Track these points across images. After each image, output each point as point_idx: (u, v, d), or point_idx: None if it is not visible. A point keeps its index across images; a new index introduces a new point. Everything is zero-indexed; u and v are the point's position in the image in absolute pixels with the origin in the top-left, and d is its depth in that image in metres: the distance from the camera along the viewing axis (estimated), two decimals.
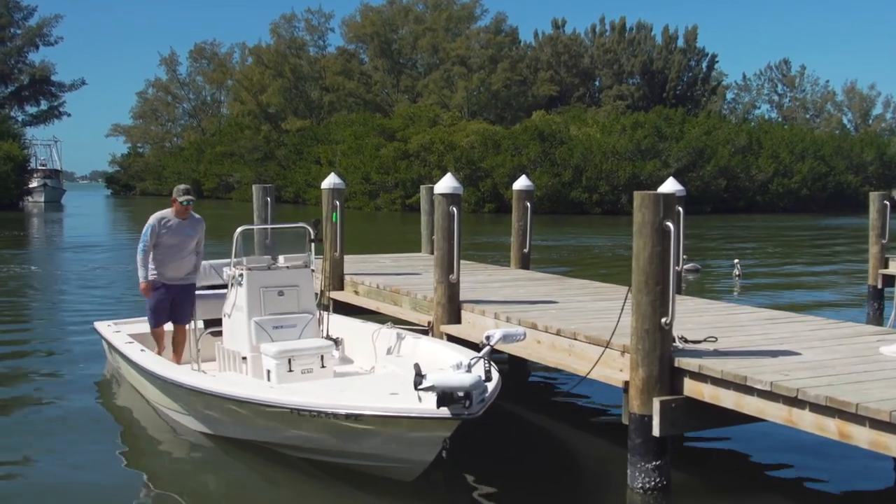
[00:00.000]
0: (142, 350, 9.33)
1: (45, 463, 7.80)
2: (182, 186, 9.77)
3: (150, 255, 9.43)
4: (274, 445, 7.41)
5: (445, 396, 5.88)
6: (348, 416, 6.43)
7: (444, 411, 5.94)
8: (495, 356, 7.36)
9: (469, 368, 6.11)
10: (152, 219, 9.48)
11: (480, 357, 6.48)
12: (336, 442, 6.74)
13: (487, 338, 6.72)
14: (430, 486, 6.90)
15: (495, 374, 6.73)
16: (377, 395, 6.77)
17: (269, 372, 8.32)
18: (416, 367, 5.95)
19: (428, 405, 6.03)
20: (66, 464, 7.75)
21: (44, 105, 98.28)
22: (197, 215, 9.85)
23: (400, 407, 6.28)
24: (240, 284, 8.84)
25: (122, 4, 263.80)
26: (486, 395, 6.29)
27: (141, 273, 9.45)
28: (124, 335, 10.19)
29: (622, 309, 7.45)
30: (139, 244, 9.42)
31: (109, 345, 10.45)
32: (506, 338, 6.79)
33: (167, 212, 9.56)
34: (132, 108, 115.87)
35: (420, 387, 5.85)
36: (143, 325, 10.97)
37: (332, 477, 7.06)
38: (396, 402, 6.38)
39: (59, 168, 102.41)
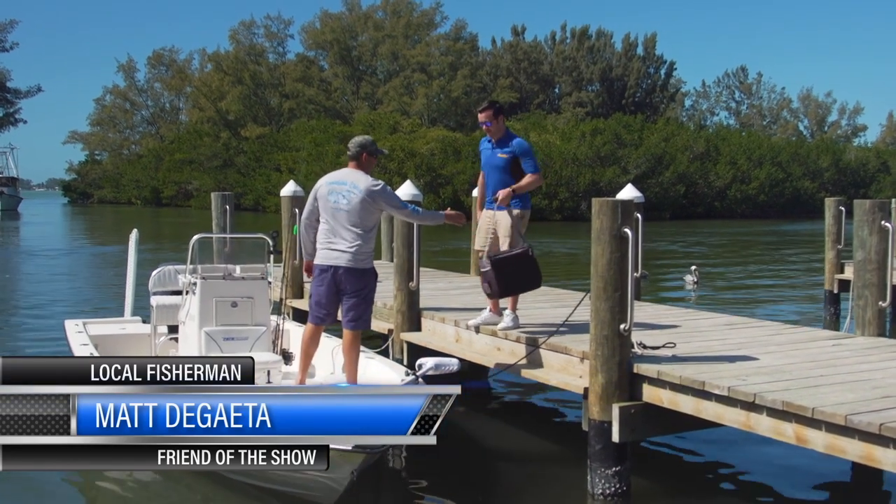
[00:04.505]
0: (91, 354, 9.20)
1: None
2: (368, 138, 8.19)
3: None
4: None
5: None
6: None
7: (347, 444, 5.82)
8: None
9: None
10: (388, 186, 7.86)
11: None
12: None
13: (418, 367, 6.70)
14: (387, 497, 6.87)
15: None
16: None
17: None
18: None
19: None
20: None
21: None
22: None
23: None
24: (193, 293, 8.76)
25: (80, 10, 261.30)
26: None
27: (438, 214, 8.13)
28: (85, 336, 10.02)
29: (570, 314, 7.51)
30: (408, 208, 7.86)
31: (69, 345, 10.31)
32: (437, 367, 6.77)
33: None
34: (89, 115, 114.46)
35: None
36: (112, 326, 10.84)
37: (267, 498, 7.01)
38: None
39: (15, 176, 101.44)
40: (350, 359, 7.75)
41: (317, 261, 7.70)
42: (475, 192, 9.38)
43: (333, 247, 7.56)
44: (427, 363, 6.72)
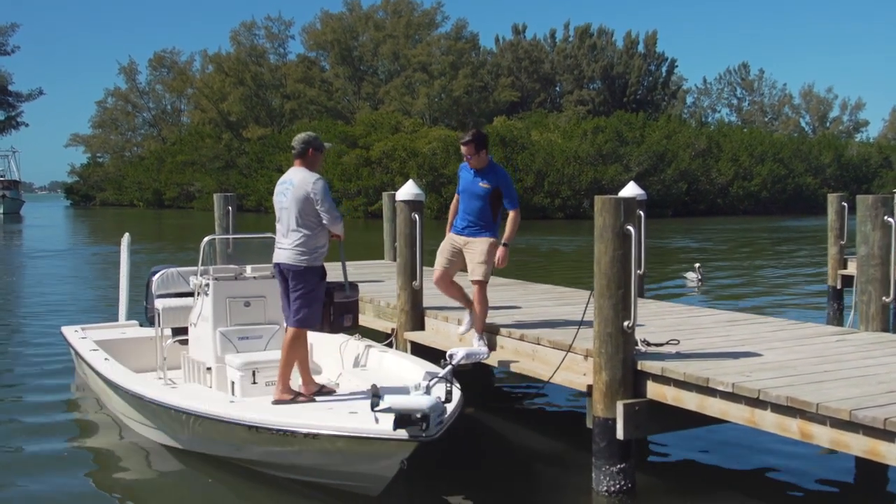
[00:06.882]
0: (106, 359, 9.22)
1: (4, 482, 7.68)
2: (312, 134, 7.98)
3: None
4: (234, 460, 7.38)
5: (403, 418, 5.82)
6: (306, 436, 6.46)
7: (402, 433, 5.92)
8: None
9: (428, 390, 6.09)
10: (323, 181, 7.66)
11: (441, 377, 6.44)
12: (294, 458, 6.76)
13: (450, 356, 6.70)
14: (394, 496, 6.86)
15: (456, 394, 6.64)
16: (336, 413, 6.79)
17: (233, 384, 8.22)
18: (374, 387, 5.91)
19: (385, 426, 6.00)
20: (29, 483, 7.64)
21: (1, 115, 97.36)
22: None
23: (357, 427, 6.28)
24: (206, 294, 8.74)
25: (81, 14, 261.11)
26: (445, 416, 6.22)
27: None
28: (90, 342, 10.05)
29: (584, 312, 7.50)
30: (327, 205, 7.53)
31: (75, 352, 10.32)
32: (468, 356, 6.78)
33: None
34: (91, 118, 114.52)
35: (377, 408, 5.79)
36: (112, 331, 10.85)
37: (302, 490, 7.02)
38: (354, 422, 6.38)
39: (17, 179, 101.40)
40: (287, 359, 7.55)
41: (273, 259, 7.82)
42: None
43: (279, 245, 7.66)
44: (458, 353, 6.73)
